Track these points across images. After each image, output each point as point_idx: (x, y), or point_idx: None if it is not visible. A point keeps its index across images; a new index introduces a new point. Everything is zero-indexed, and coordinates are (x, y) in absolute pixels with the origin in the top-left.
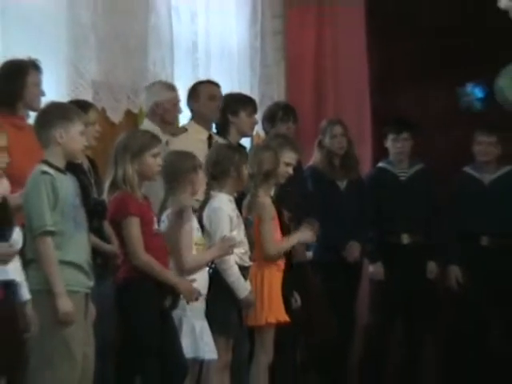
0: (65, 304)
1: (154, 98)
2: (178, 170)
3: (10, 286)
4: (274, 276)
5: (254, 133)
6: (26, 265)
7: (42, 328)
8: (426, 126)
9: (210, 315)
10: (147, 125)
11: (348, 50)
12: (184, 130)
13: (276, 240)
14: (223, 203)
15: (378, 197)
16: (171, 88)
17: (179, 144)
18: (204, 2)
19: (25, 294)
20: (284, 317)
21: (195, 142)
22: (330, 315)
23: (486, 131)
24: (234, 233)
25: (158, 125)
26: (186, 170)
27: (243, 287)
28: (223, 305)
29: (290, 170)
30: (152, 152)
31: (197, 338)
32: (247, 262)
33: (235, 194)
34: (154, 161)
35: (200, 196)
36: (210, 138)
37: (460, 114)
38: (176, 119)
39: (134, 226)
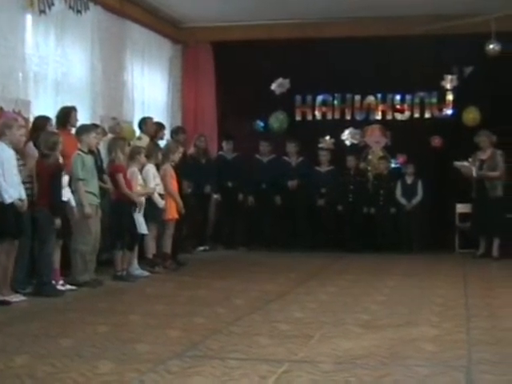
0: (87, 209)
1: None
2: (135, 152)
3: (65, 202)
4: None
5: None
6: (73, 192)
7: (78, 218)
8: (240, 137)
9: (147, 214)
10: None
11: (207, 102)
12: (140, 137)
13: (172, 184)
14: (151, 168)
15: (219, 166)
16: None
17: (139, 143)
18: (148, 83)
19: (72, 203)
20: (176, 216)
21: (144, 142)
22: (198, 216)
23: (265, 140)
24: (157, 180)
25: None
26: (139, 152)
27: (161, 203)
28: (152, 209)
29: (180, 155)
30: (124, 147)
31: (140, 224)
32: (162, 192)
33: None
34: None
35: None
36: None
37: (254, 133)
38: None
39: (120, 177)
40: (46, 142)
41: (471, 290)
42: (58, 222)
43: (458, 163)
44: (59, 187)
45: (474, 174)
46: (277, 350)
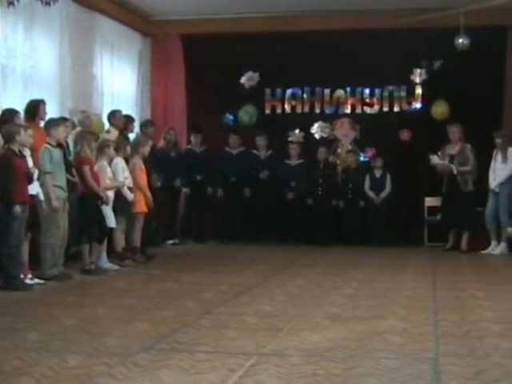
0: (55, 203)
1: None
2: (104, 145)
3: (34, 196)
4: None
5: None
6: (40, 186)
7: (47, 212)
8: (209, 130)
9: (117, 207)
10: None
11: (177, 96)
12: (109, 130)
13: (141, 177)
14: (120, 161)
15: (188, 160)
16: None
17: (108, 136)
18: (117, 76)
19: (41, 197)
20: (145, 209)
21: (113, 135)
22: (166, 209)
23: (234, 133)
24: (126, 174)
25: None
26: (107, 145)
27: (130, 196)
28: (122, 203)
29: (149, 148)
30: (91, 141)
31: (108, 217)
32: (131, 185)
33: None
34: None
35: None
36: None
37: (224, 126)
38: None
39: (86, 170)
40: (2, 134)
41: (439, 282)
42: None
43: (434, 161)
44: (5, 179)
45: (455, 171)
46: (245, 343)
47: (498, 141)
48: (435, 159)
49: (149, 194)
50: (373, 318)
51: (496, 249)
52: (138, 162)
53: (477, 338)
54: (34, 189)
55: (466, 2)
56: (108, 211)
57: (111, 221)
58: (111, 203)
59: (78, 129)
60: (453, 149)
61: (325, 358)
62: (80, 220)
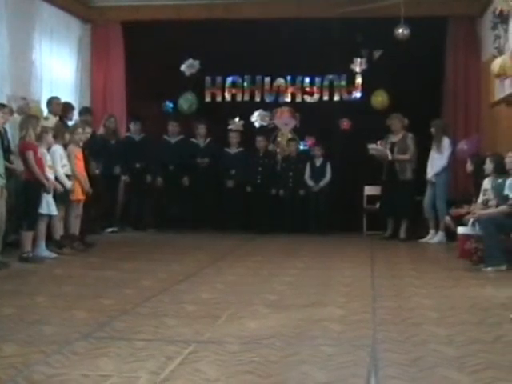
0: None
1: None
2: (43, 132)
3: None
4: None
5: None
6: None
7: None
8: (150, 118)
9: (56, 195)
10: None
11: (116, 83)
12: (48, 117)
13: (78, 165)
14: (58, 148)
15: (127, 147)
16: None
17: (46, 123)
18: (56, 63)
19: None
20: (82, 197)
21: (51, 122)
22: (105, 197)
23: (175, 120)
24: (64, 161)
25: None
26: (46, 132)
27: (68, 184)
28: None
29: (88, 135)
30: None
31: (50, 205)
32: (69, 173)
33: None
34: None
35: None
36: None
37: (163, 114)
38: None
39: (30, 155)
40: None
41: (378, 270)
42: None
43: (371, 147)
44: None
45: (390, 157)
46: (184, 330)
47: (433, 130)
48: (372, 146)
49: (84, 182)
50: (312, 305)
51: (434, 237)
52: (73, 150)
53: (414, 325)
54: None
55: None
56: (50, 199)
57: (53, 209)
58: (52, 191)
59: (16, 115)
60: (395, 137)
61: (263, 345)
62: (19, 206)
